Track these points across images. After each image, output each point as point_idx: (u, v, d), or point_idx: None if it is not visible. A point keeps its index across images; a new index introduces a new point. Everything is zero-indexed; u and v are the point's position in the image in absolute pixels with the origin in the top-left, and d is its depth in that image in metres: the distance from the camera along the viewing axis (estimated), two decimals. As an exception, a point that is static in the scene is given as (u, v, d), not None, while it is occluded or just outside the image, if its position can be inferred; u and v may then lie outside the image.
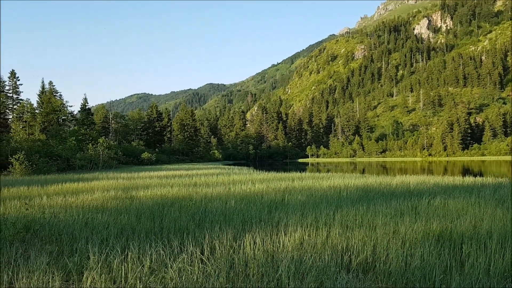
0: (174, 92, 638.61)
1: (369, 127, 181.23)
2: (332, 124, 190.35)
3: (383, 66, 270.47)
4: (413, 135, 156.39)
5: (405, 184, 18.00)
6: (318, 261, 5.62)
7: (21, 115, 70.99)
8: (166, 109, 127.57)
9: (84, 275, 5.12)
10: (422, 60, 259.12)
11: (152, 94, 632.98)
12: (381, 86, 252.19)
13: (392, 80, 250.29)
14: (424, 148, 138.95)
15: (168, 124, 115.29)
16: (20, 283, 4.81)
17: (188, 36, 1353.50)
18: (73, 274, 5.34)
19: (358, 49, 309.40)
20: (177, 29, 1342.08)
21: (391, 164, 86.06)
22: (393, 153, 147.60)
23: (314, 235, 7.08)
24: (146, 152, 73.87)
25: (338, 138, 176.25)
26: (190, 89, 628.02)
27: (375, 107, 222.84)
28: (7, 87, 71.67)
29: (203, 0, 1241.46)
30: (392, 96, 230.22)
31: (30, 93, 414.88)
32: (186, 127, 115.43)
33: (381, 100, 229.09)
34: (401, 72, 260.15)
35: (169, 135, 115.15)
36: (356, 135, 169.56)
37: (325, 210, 9.85)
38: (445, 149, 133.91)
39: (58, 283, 4.90)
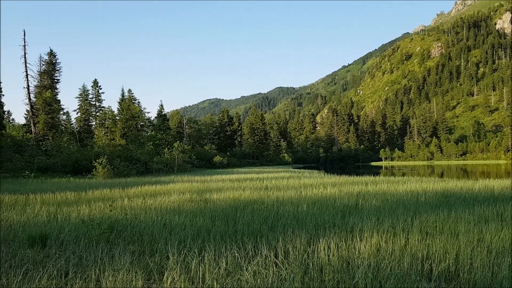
0: (244, 96, 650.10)
1: (447, 129, 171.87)
2: (407, 126, 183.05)
3: (462, 64, 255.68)
4: (496, 137, 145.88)
5: (489, 189, 16.85)
6: (396, 269, 5.42)
7: (103, 121, 75.79)
8: (236, 113, 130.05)
9: (165, 275, 5.33)
10: (505, 56, 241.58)
11: (223, 99, 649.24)
12: (460, 85, 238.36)
13: (472, 78, 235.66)
14: (508, 150, 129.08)
15: (239, 128, 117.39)
16: (107, 280, 5.10)
17: (258, 40, 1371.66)
18: (154, 274, 5.58)
19: (434, 47, 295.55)
20: (247, 34, 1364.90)
21: (472, 167, 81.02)
22: (474, 156, 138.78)
23: (391, 241, 6.83)
24: (218, 156, 75.73)
25: (414, 140, 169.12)
26: (259, 93, 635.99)
27: (454, 107, 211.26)
28: (90, 95, 77.04)
29: (274, 0, 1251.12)
30: (473, 96, 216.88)
31: (110, 101, 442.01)
32: (256, 131, 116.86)
33: (460, 100, 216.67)
34: (482, 69, 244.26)
35: (239, 139, 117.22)
36: (434, 137, 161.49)
37: (402, 215, 9.49)
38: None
39: (141, 282, 5.14)
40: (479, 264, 5.54)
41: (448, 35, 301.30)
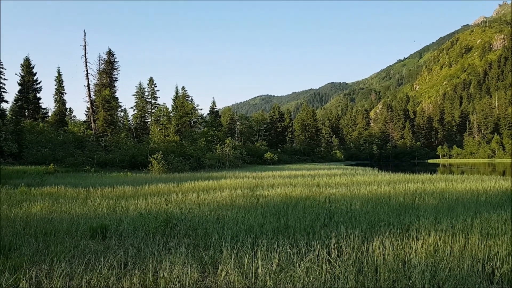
0: (295, 92, 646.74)
1: (510, 125, 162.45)
2: (467, 122, 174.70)
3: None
4: None
5: (558, 189, 15.76)
6: (455, 270, 5.21)
7: (158, 118, 78.15)
8: (287, 109, 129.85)
9: (219, 269, 5.43)
10: None
11: (274, 96, 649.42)
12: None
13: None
14: None
15: (290, 125, 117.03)
16: (163, 272, 5.27)
17: (309, 36, 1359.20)
18: (208, 267, 5.70)
19: (496, 39, 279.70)
20: (297, 30, 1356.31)
21: (538, 165, 76.08)
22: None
23: (450, 241, 6.57)
24: (268, 152, 75.93)
25: (473, 137, 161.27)
26: (311, 89, 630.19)
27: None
28: (146, 93, 79.67)
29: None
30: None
31: (165, 98, 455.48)
32: (307, 127, 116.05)
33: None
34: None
35: (290, 135, 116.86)
36: (495, 134, 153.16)
37: (462, 215, 9.11)
38: None
39: (196, 275, 5.26)
40: (546, 268, 5.22)
41: (511, 27, 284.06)
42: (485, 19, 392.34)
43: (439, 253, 6.04)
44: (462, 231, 7.36)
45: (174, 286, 4.95)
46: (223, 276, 5.24)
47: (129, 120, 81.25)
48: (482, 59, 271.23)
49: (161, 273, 5.25)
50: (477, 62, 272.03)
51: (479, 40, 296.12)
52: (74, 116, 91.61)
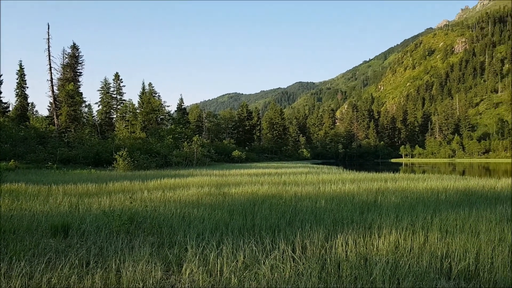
0: (263, 91, 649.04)
1: (470, 126, 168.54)
2: (429, 123, 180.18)
3: (486, 60, 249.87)
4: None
5: (513, 188, 16.50)
6: (415, 267, 5.38)
7: (124, 114, 76.70)
8: (255, 108, 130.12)
9: (184, 267, 5.40)
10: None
11: (242, 94, 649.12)
12: (484, 81, 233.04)
13: (497, 75, 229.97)
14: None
15: (258, 123, 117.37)
16: (127, 270, 5.20)
17: (277, 35, 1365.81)
18: (173, 265, 5.66)
19: (458, 42, 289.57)
20: (267, 29, 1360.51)
21: (495, 166, 79.37)
22: (497, 154, 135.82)
23: (410, 239, 6.77)
24: (236, 150, 75.95)
25: (435, 137, 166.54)
26: (279, 88, 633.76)
27: (477, 104, 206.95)
28: (112, 89, 78.00)
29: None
30: (497, 92, 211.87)
31: (131, 94, 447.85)
32: (275, 126, 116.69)
33: (484, 97, 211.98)
34: (507, 66, 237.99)
35: (258, 134, 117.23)
36: (456, 134, 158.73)
37: (422, 213, 9.41)
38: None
39: (160, 273, 5.22)
40: (500, 264, 5.46)
41: (472, 31, 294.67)
42: (447, 23, 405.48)
43: (399, 250, 6.21)
44: (422, 228, 7.59)
45: (137, 285, 4.89)
46: (187, 274, 5.22)
47: (94, 116, 79.27)
48: (444, 61, 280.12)
49: (124, 272, 5.18)
50: (440, 65, 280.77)
51: (441, 43, 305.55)
52: (37, 111, 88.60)
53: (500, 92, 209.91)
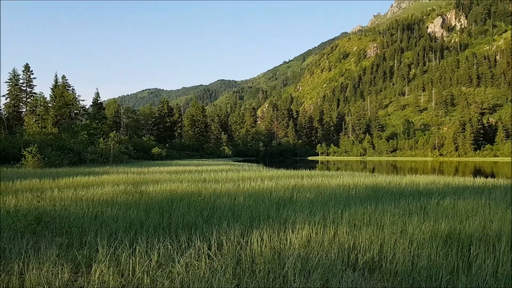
0: (185, 88, 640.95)
1: (380, 126, 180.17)
2: (343, 123, 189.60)
3: (395, 64, 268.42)
4: (425, 135, 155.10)
5: (415, 184, 17.87)
6: (324, 259, 5.63)
7: (34, 108, 71.83)
8: (177, 104, 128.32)
9: (93, 268, 5.19)
10: (435, 59, 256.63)
11: (163, 90, 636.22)
12: (393, 85, 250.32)
13: (404, 79, 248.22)
14: (435, 148, 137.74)
15: (179, 120, 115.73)
16: (30, 273, 4.88)
17: (200, 32, 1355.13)
18: (82, 266, 5.42)
19: (370, 47, 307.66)
20: (190, 26, 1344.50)
21: (401, 163, 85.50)
22: (403, 153, 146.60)
23: (321, 233, 7.06)
24: (156, 147, 74.26)
25: (348, 137, 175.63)
26: (201, 85, 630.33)
27: (386, 106, 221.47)
28: (21, 81, 72.63)
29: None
30: (404, 95, 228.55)
31: (43, 87, 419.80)
32: (196, 123, 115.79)
33: (392, 99, 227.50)
34: (413, 71, 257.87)
35: (179, 131, 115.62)
36: (367, 134, 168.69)
37: (334, 208, 9.82)
38: (456, 149, 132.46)
39: (67, 275, 4.97)
40: (401, 255, 5.83)
41: (383, 36, 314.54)
42: (361, 28, 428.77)
43: (311, 243, 6.45)
44: (332, 223, 7.93)
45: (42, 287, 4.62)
46: (97, 275, 5.02)
47: (0, 110, 73.32)
48: (357, 65, 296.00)
49: (27, 275, 4.86)
50: (353, 68, 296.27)
51: (355, 47, 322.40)
52: None
53: (407, 95, 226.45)
